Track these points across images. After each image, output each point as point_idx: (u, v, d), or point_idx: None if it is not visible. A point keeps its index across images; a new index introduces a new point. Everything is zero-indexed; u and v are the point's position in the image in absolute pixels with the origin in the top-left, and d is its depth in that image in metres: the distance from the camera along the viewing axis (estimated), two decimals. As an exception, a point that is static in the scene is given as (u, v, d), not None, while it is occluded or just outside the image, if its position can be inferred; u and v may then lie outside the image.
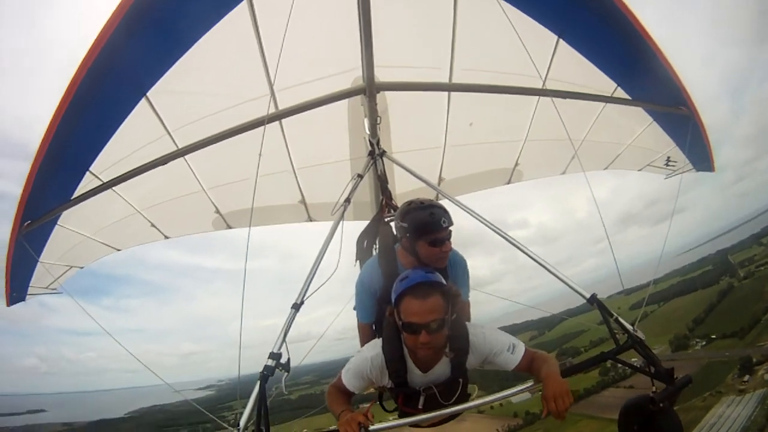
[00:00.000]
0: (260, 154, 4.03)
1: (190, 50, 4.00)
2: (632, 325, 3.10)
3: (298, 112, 4.49)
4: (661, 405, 2.65)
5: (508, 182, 6.57)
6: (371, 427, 2.55)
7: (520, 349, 2.92)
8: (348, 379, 3.01)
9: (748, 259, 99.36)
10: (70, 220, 5.06)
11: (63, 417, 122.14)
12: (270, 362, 3.02)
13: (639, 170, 6.17)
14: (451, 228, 3.19)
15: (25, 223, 4.54)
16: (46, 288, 5.53)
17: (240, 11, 3.84)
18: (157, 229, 6.01)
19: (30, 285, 5.31)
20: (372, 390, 3.42)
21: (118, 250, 6.15)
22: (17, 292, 5.22)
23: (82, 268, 5.93)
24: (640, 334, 3.05)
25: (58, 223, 4.98)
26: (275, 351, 3.08)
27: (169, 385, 5.64)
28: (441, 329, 2.67)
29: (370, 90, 4.18)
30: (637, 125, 5.48)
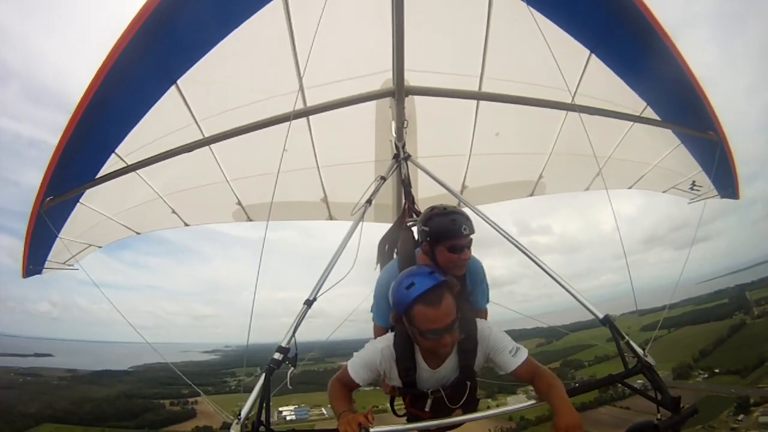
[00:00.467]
0: (284, 149, 4.05)
1: (223, 41, 4.02)
2: (643, 349, 3.07)
3: (326, 110, 4.50)
4: None
5: (531, 194, 6.53)
6: (372, 429, 2.55)
7: (522, 354, 2.90)
8: (355, 369, 2.99)
9: (765, 297, 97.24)
10: (92, 199, 5.13)
11: (68, 363, 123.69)
12: (277, 356, 3.04)
13: (663, 192, 6.09)
14: (471, 236, 3.20)
15: (48, 198, 4.59)
16: (63, 264, 5.61)
17: (275, 6, 3.86)
18: (178, 215, 6.06)
19: (47, 260, 5.38)
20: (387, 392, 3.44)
21: (138, 233, 6.22)
22: (34, 265, 5.29)
23: (100, 247, 6.01)
24: (650, 360, 3.02)
25: (80, 201, 5.05)
26: (284, 345, 3.10)
27: (151, 345, 5.83)
28: (456, 327, 2.71)
29: (399, 93, 4.17)
30: (664, 146, 5.40)
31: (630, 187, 6.26)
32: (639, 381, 3.10)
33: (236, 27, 3.96)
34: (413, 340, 2.87)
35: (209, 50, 4.07)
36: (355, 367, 2.99)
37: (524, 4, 4.09)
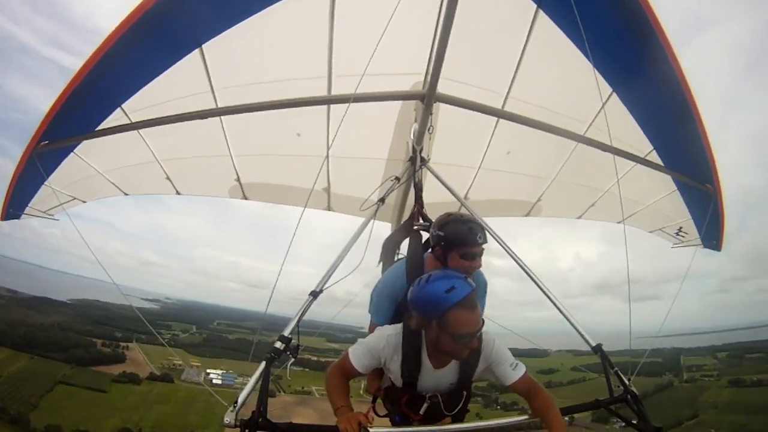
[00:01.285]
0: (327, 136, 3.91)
1: (259, 13, 3.92)
2: (628, 380, 3.21)
3: (354, 102, 4.44)
4: None
5: (527, 215, 6.67)
6: (372, 429, 2.56)
7: (521, 369, 2.96)
8: (357, 356, 2.94)
9: (697, 365, 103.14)
10: (88, 152, 4.88)
11: (9, 283, 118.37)
12: (279, 345, 2.99)
13: (650, 232, 6.35)
14: (484, 246, 3.27)
15: (42, 143, 4.35)
16: (44, 212, 5.31)
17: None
18: (171, 182, 5.82)
19: (29, 206, 5.10)
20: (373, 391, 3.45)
21: (126, 194, 5.96)
22: (14, 209, 5.00)
23: (84, 202, 5.72)
24: (634, 390, 3.16)
25: (74, 151, 4.79)
26: (286, 335, 3.04)
27: (118, 286, 5.55)
28: None
29: (429, 98, 4.17)
30: (660, 189, 5.63)
31: (619, 222, 6.48)
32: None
33: (275, 2, 3.86)
34: (433, 342, 2.84)
35: (242, 20, 3.95)
36: (357, 353, 2.94)
37: (560, 33, 4.17)
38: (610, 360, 3.33)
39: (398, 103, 4.75)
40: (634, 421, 3.08)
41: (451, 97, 4.38)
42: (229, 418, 2.62)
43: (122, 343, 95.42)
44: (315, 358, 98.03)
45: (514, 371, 2.93)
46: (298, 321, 3.17)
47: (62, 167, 4.85)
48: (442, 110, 4.86)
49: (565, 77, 4.43)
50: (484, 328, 3.03)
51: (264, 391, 2.74)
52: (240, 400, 2.72)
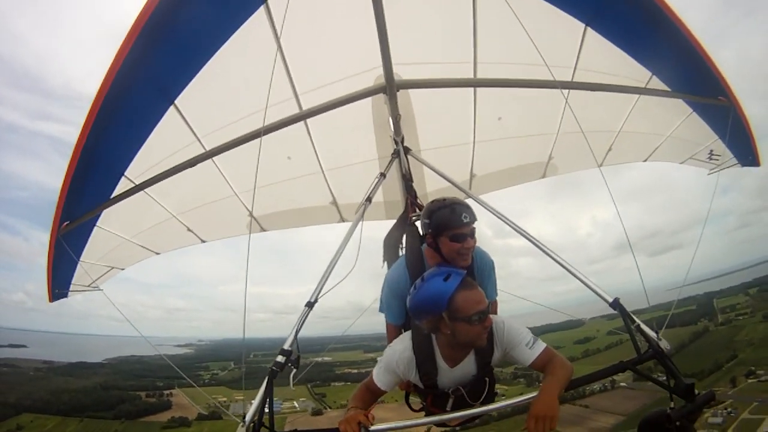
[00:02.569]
0: (290, 157, 4.01)
1: (215, 56, 4.08)
2: (657, 332, 2.96)
3: (321, 112, 4.51)
4: (678, 423, 2.49)
5: (543, 176, 6.40)
6: (371, 428, 2.57)
7: (540, 346, 2.86)
8: (379, 376, 3.02)
9: (730, 306, 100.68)
10: (110, 223, 5.27)
11: (43, 355, 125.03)
12: (280, 358, 3.07)
13: (681, 163, 5.83)
14: (474, 225, 3.17)
15: (64, 224, 4.73)
16: (88, 286, 5.78)
17: (258, 18, 3.88)
18: (194, 233, 6.18)
19: (72, 282, 5.54)
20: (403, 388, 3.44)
21: (157, 253, 6.37)
22: (59, 289, 5.45)
23: (122, 269, 6.19)
24: (663, 344, 2.91)
25: (97, 225, 5.20)
26: (286, 348, 3.12)
27: (146, 339, 5.87)
28: None
29: (390, 88, 4.15)
30: (675, 116, 5.17)
31: (645, 160, 6.04)
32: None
33: (225, 41, 4.00)
34: (448, 340, 2.85)
35: (201, 67, 4.13)
36: (378, 373, 3.03)
37: None
38: (631, 315, 3.10)
39: (369, 102, 4.74)
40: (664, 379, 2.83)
41: (413, 80, 4.35)
42: None
43: (165, 391, 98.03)
44: (355, 371, 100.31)
45: (532, 350, 2.85)
46: (296, 333, 3.24)
47: (91, 242, 5.28)
48: (417, 95, 4.82)
49: (529, 26, 4.21)
50: (493, 315, 2.99)
51: (270, 403, 2.87)
52: (249, 414, 2.85)
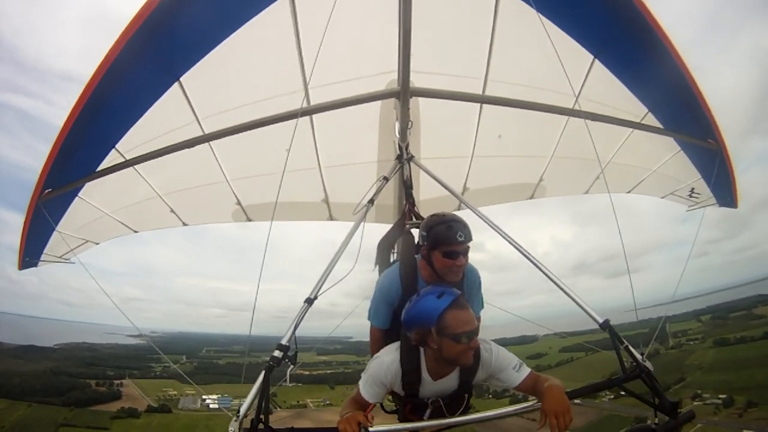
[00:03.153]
0: (288, 150, 3.98)
1: (228, 39, 4.02)
2: (642, 354, 3.08)
3: (331, 110, 4.47)
4: None
5: (531, 197, 6.55)
6: (371, 429, 2.57)
7: (525, 369, 3.01)
8: (367, 389, 3.02)
9: (682, 331, 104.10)
10: (92, 195, 5.10)
11: None
12: (277, 353, 3.02)
13: (662, 197, 6.11)
14: (468, 244, 3.23)
15: (46, 191, 4.57)
16: (60, 257, 5.55)
17: (281, 5, 3.85)
18: (176, 215, 6.02)
19: (44, 252, 5.33)
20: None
21: (136, 231, 6.17)
22: (30, 257, 5.26)
23: (97, 243, 5.95)
24: (648, 365, 3.03)
25: (79, 195, 5.02)
26: (283, 343, 3.08)
27: (150, 340, 5.64)
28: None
29: (404, 94, 4.17)
30: (664, 152, 5.43)
31: (629, 192, 6.29)
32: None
33: (241, 25, 3.95)
34: (435, 355, 2.88)
35: (213, 48, 4.06)
36: (366, 386, 3.02)
37: (530, 8, 4.09)
38: (620, 336, 3.21)
39: (378, 104, 4.75)
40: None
41: (428, 89, 4.38)
42: (233, 427, 2.71)
43: (116, 381, 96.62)
44: (308, 373, 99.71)
45: (518, 373, 2.98)
46: (295, 329, 3.20)
47: (70, 212, 5.09)
48: (425, 104, 4.86)
49: (541, 51, 4.31)
50: (483, 338, 3.05)
51: (266, 399, 2.78)
52: (243, 409, 2.79)
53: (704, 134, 4.84)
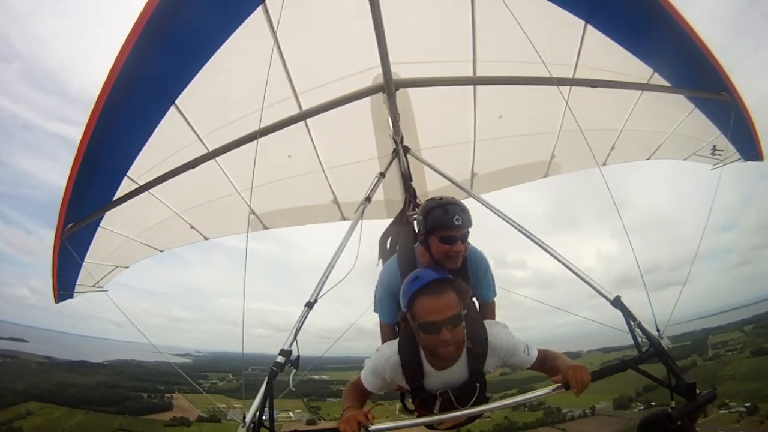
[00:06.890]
0: (291, 156, 4.02)
1: (213, 57, 4.10)
2: (658, 331, 2.93)
3: (320, 112, 4.49)
4: (679, 423, 2.46)
5: (546, 175, 6.33)
6: (371, 427, 2.56)
7: (534, 349, 3.02)
8: (366, 377, 3.07)
9: (722, 342, 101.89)
10: (113, 223, 5.33)
11: (44, 350, 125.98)
12: (280, 359, 3.04)
13: (684, 159, 5.77)
14: (467, 229, 3.13)
15: (68, 226, 4.79)
16: (93, 286, 5.84)
17: (257, 17, 3.90)
18: (197, 230, 6.24)
19: (77, 283, 5.61)
20: (395, 389, 3.43)
21: (161, 251, 6.43)
22: (64, 290, 5.52)
23: (126, 267, 6.24)
24: (665, 342, 2.87)
25: (101, 225, 5.24)
26: (285, 348, 3.09)
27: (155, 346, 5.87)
28: (459, 324, 2.66)
29: (388, 87, 4.12)
30: (678, 113, 5.11)
31: (649, 158, 5.98)
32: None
33: (222, 42, 4.02)
34: (417, 341, 2.86)
35: (201, 68, 4.15)
36: (365, 375, 3.09)
37: None
38: (632, 313, 3.06)
39: (368, 101, 4.73)
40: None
41: (412, 79, 4.32)
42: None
43: (167, 394, 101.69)
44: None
45: (529, 355, 3.00)
46: (296, 333, 3.23)
47: (95, 242, 5.34)
48: (416, 94, 4.81)
49: (529, 23, 4.19)
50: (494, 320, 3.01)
51: (270, 403, 2.83)
52: (249, 415, 2.83)
53: (717, 88, 4.53)
